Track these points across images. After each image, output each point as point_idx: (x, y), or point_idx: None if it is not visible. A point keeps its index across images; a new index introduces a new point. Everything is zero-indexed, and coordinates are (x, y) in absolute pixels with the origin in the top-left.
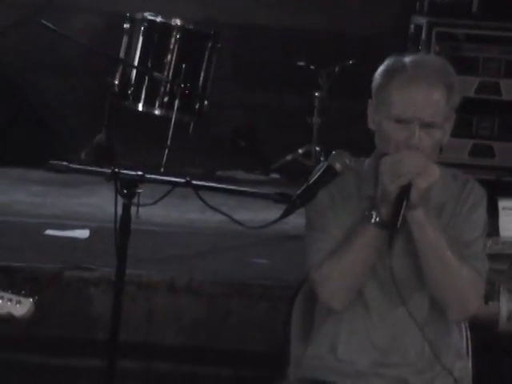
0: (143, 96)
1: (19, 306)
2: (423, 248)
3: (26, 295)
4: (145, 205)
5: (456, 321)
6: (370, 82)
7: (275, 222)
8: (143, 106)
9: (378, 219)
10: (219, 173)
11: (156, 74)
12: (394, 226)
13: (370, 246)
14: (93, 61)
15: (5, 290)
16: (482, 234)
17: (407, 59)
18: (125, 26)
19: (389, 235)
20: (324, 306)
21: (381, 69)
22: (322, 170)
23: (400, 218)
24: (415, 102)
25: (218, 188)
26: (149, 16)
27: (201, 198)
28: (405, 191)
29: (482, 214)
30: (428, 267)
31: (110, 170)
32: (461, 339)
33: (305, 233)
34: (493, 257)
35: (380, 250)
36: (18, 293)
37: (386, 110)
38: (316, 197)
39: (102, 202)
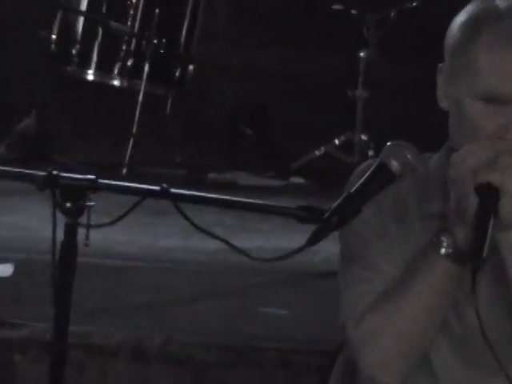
0: (95, 59)
1: None
2: None
3: None
4: (99, 226)
5: None
6: (442, 35)
7: (298, 251)
8: (95, 73)
9: (451, 249)
10: (212, 175)
11: (114, 23)
12: (478, 257)
13: (440, 288)
14: (18, 7)
15: None
16: None
17: (502, 4)
18: None
19: (471, 271)
20: (368, 381)
21: (460, 18)
22: (370, 171)
23: (486, 245)
24: None
25: (210, 199)
26: None
27: (184, 215)
28: (490, 203)
29: None
30: None
31: (44, 173)
32: None
33: (339, 270)
34: None
35: (455, 294)
36: None
37: (470, 82)
38: (361, 214)
39: (33, 221)
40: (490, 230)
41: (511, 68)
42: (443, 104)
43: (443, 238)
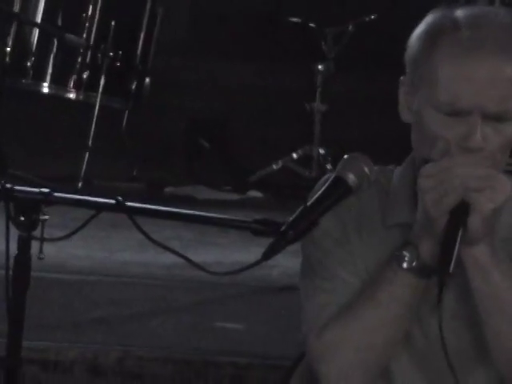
0: (50, 71)
1: None
2: (487, 303)
3: None
4: (53, 239)
5: None
6: (401, 48)
7: (255, 265)
8: (50, 86)
9: (414, 262)
10: (169, 189)
11: (69, 36)
12: (446, 272)
13: (403, 300)
14: None
15: None
16: None
17: (460, 14)
18: None
19: (438, 285)
20: None
21: (420, 29)
22: (327, 185)
23: (454, 259)
24: (476, 81)
25: (167, 213)
26: None
27: (140, 229)
28: (459, 217)
29: None
30: (494, 331)
31: None
32: None
33: (300, 281)
34: None
35: (419, 307)
36: None
37: (430, 93)
38: (318, 226)
39: None
40: (457, 245)
41: (471, 79)
42: (405, 116)
43: (405, 253)
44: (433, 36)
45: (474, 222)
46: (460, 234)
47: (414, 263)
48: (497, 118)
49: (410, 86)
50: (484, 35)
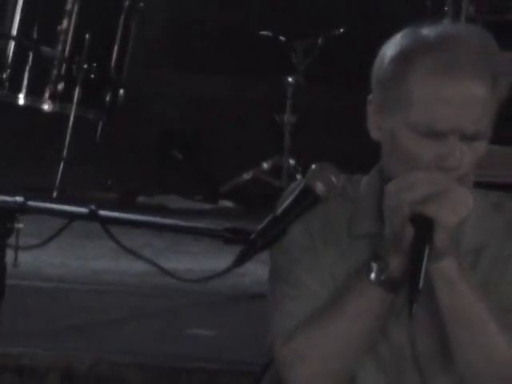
0: (25, 83)
1: None
2: (453, 314)
3: None
4: (28, 247)
5: None
6: (368, 59)
7: (225, 272)
8: (26, 97)
9: (383, 276)
10: (141, 199)
11: (45, 48)
12: (415, 288)
13: (370, 312)
14: None
15: None
16: None
17: (431, 33)
18: None
19: (408, 301)
20: None
21: (390, 50)
22: (296, 193)
23: (422, 275)
24: (453, 104)
25: (139, 222)
26: None
27: (112, 238)
28: (425, 233)
29: None
30: (458, 341)
31: None
32: None
33: (269, 288)
34: None
35: (381, 321)
36: None
37: (405, 114)
38: (287, 234)
39: None
40: (425, 261)
41: (448, 102)
42: (374, 134)
43: (374, 265)
44: (405, 58)
45: (440, 236)
46: (427, 250)
47: (383, 277)
48: (472, 138)
49: (381, 106)
50: (458, 58)
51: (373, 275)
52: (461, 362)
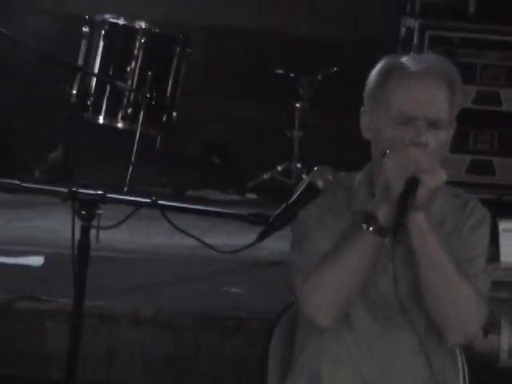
0: (104, 107)
1: None
2: (423, 258)
3: None
4: (106, 228)
5: (455, 344)
6: (356, 90)
7: (251, 246)
8: (104, 118)
9: (372, 227)
10: (189, 192)
11: (118, 82)
12: (400, 222)
13: (366, 252)
14: (48, 68)
15: None
16: (484, 254)
17: (404, 58)
18: (83, 29)
19: (394, 229)
20: (308, 323)
21: (376, 69)
22: (302, 188)
23: (405, 215)
24: (419, 97)
25: (188, 209)
26: (110, 18)
27: (168, 220)
28: (411, 187)
29: (483, 234)
30: (427, 281)
31: (66, 190)
32: (456, 375)
33: (291, 248)
34: (493, 285)
35: (373, 263)
36: None
37: (386, 111)
38: (300, 214)
39: (58, 225)
40: (408, 206)
41: (415, 97)
42: (366, 135)
43: (366, 219)
44: (386, 72)
45: (421, 192)
46: (410, 200)
47: (372, 227)
48: (434, 125)
49: (371, 110)
50: (421, 69)
51: (365, 225)
52: (428, 298)
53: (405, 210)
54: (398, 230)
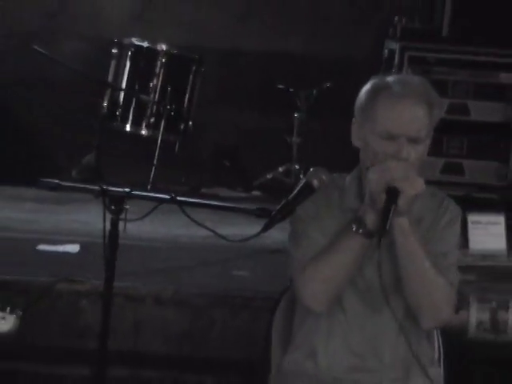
0: (131, 117)
1: (4, 322)
2: (404, 256)
3: (12, 311)
4: (132, 220)
5: (428, 328)
6: (346, 103)
7: (256, 235)
8: (131, 126)
9: (361, 229)
10: (203, 190)
11: (143, 96)
12: (384, 228)
13: (354, 251)
14: (83, 84)
15: None
16: (456, 248)
17: (390, 79)
18: (113, 51)
19: (378, 236)
20: (305, 308)
21: (365, 88)
22: (300, 187)
23: (389, 222)
24: (402, 118)
25: (202, 204)
26: (136, 41)
27: (186, 214)
28: (393, 197)
29: (456, 230)
30: (406, 275)
31: (98, 188)
32: (432, 347)
33: (289, 242)
34: (462, 268)
35: (361, 260)
36: (2, 309)
37: (373, 126)
38: (298, 209)
39: (92, 218)
40: (391, 213)
41: (399, 117)
42: (356, 143)
43: (356, 223)
44: (374, 91)
45: (402, 201)
46: (393, 208)
47: (361, 229)
48: (415, 141)
49: (360, 123)
50: (406, 91)
51: (355, 228)
52: (406, 288)
53: (387, 219)
54: (382, 235)
